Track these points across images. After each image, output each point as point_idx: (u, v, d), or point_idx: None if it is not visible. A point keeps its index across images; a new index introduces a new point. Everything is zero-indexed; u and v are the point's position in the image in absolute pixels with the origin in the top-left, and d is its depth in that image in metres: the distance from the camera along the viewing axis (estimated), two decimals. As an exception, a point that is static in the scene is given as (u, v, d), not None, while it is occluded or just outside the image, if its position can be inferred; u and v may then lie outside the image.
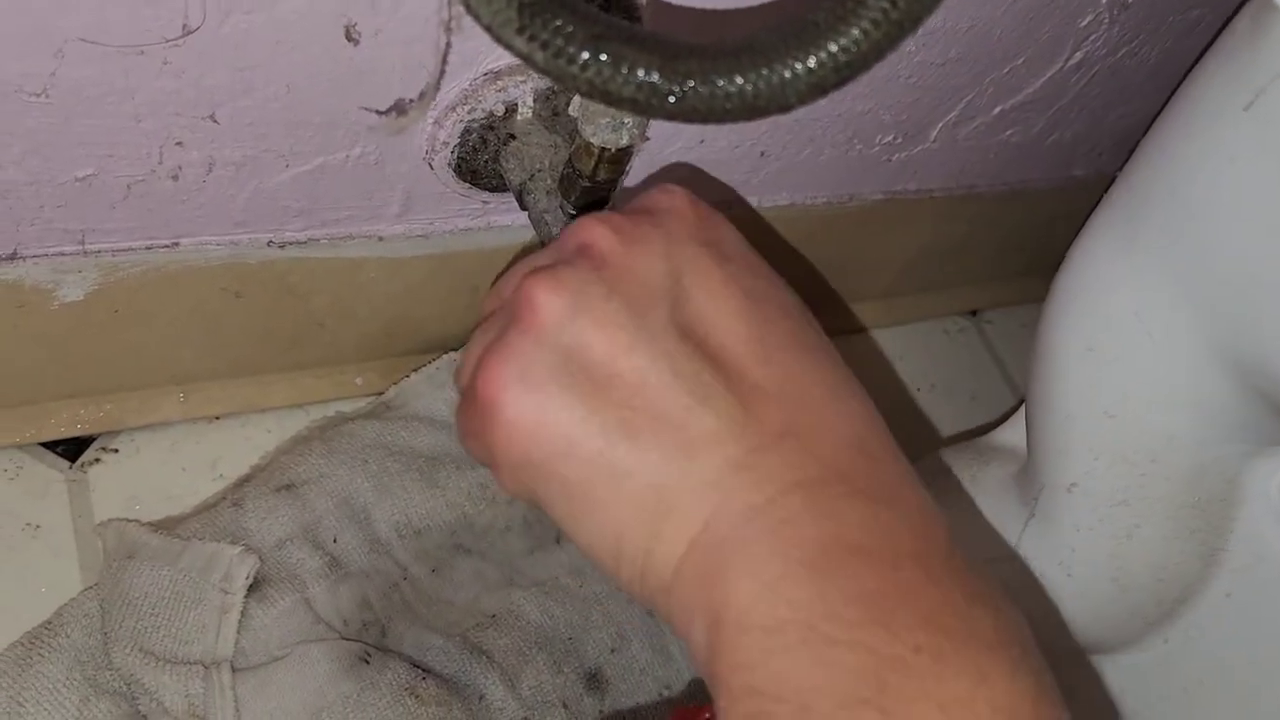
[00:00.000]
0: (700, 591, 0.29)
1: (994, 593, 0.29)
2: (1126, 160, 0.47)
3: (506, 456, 0.32)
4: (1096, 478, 0.46)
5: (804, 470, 0.29)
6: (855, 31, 0.29)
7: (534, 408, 0.31)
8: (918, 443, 0.75)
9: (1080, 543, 0.48)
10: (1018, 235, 0.79)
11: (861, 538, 0.28)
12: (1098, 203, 0.48)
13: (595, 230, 0.33)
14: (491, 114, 0.46)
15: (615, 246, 0.32)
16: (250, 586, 0.50)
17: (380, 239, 0.52)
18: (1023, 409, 0.54)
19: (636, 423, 0.30)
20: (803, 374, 0.31)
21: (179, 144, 0.42)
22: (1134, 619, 0.49)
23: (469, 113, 0.46)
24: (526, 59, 0.31)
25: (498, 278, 0.37)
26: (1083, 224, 0.49)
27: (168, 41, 0.38)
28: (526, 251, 0.56)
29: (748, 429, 0.30)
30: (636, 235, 0.33)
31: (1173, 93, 0.44)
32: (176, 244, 0.48)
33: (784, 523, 0.29)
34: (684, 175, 0.56)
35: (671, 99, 0.30)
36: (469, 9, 0.31)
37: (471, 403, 0.33)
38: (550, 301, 0.31)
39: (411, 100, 0.44)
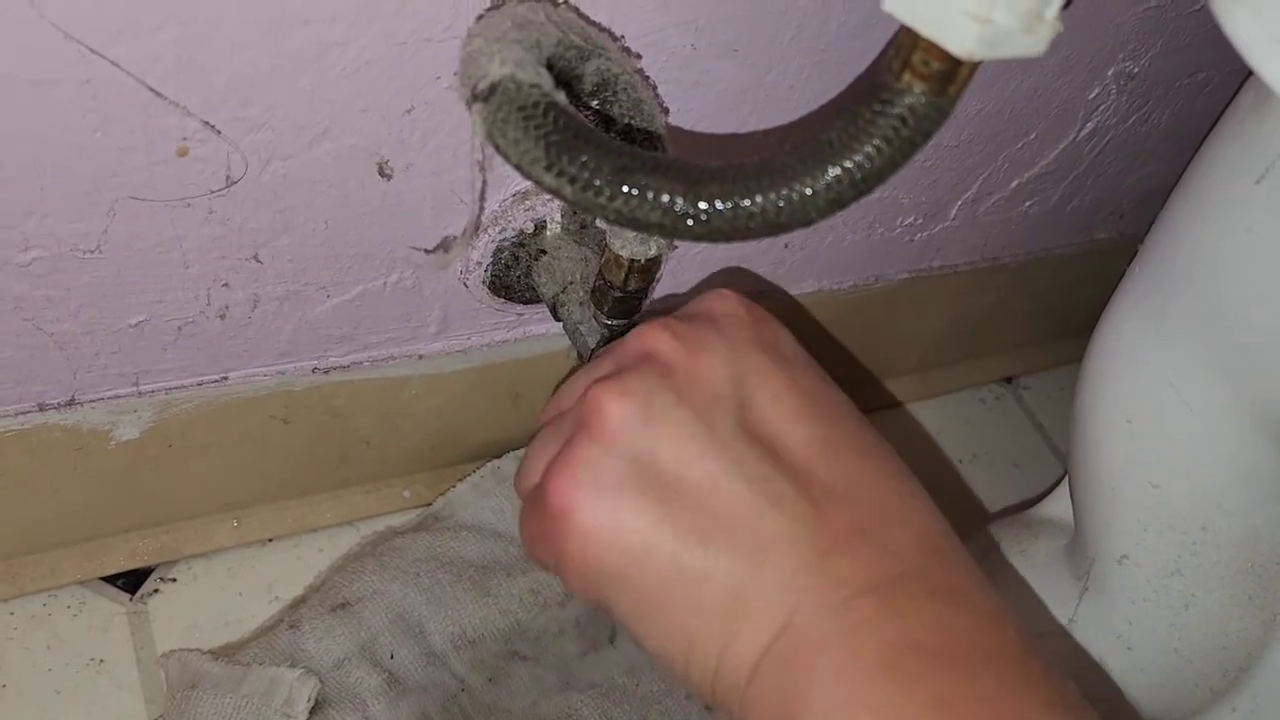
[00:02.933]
0: (777, 695, 0.29)
1: (1068, 698, 0.29)
2: (1149, 223, 0.47)
3: (579, 562, 0.32)
4: (1147, 549, 0.46)
5: (877, 571, 0.30)
6: (869, 148, 0.30)
7: (608, 515, 0.31)
8: (963, 516, 0.74)
9: (1137, 615, 0.47)
10: (1046, 300, 0.79)
11: (938, 640, 0.28)
12: (1124, 263, 0.49)
13: (659, 337, 0.33)
14: (522, 232, 0.48)
15: (679, 353, 0.33)
16: (312, 709, 0.50)
17: (420, 357, 0.53)
18: (1066, 481, 0.54)
19: (710, 527, 0.30)
20: (869, 473, 0.32)
21: (225, 285, 0.44)
22: (1199, 689, 0.48)
23: (500, 232, 0.47)
24: (555, 193, 0.32)
25: (556, 387, 0.38)
26: (1110, 284, 0.50)
27: (213, 193, 0.40)
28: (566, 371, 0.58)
29: (820, 531, 0.30)
30: (699, 342, 0.33)
31: (1192, 157, 0.44)
32: (225, 378, 0.49)
33: (860, 626, 0.29)
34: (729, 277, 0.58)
35: (696, 222, 0.31)
36: (498, 149, 0.32)
37: (539, 510, 0.33)
38: (619, 409, 0.32)
39: (454, 237, 0.46)
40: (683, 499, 0.31)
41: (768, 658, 0.30)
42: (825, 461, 0.32)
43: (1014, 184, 0.64)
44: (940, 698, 0.27)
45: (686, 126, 0.47)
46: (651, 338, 0.33)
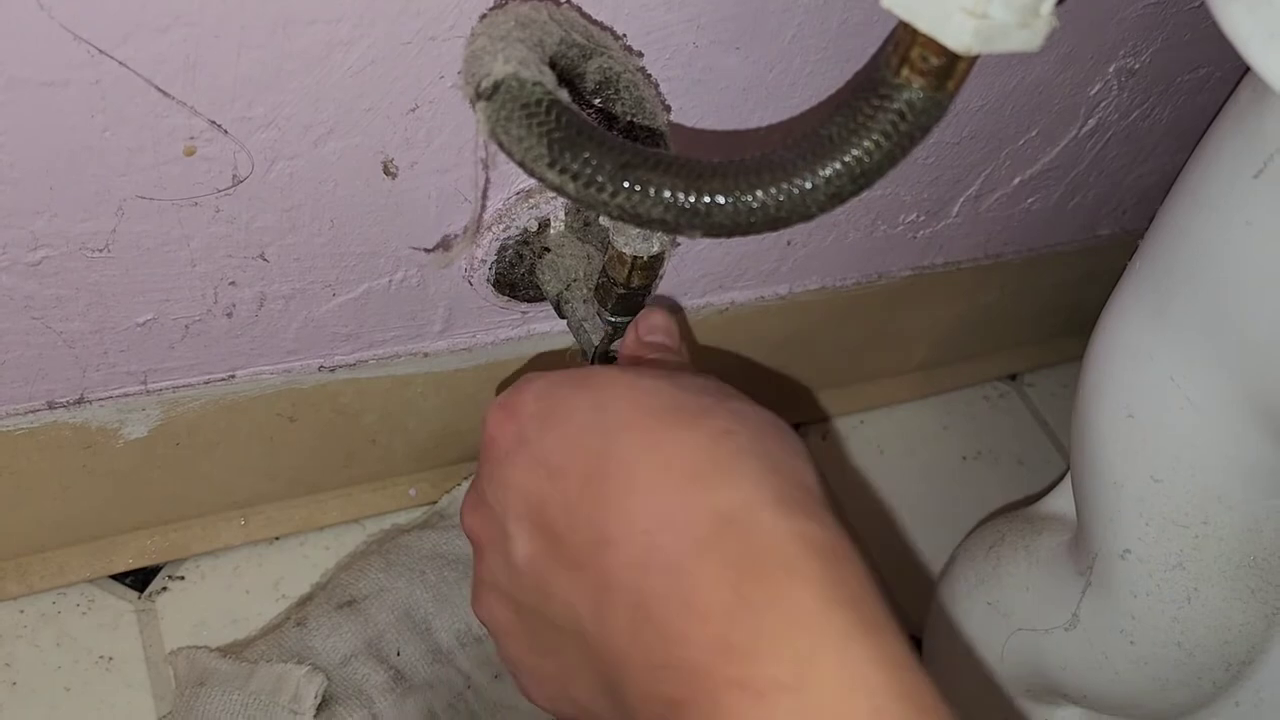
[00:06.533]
0: None
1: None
2: (1150, 219, 0.47)
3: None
4: (1149, 543, 0.46)
5: (628, 635, 0.30)
6: (867, 143, 0.30)
7: (537, 692, 0.37)
8: (967, 513, 0.74)
9: (1140, 609, 0.47)
10: (1050, 297, 0.80)
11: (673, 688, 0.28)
12: (1127, 259, 0.49)
13: (467, 523, 0.38)
14: (525, 230, 0.48)
15: (476, 530, 0.37)
16: (319, 705, 0.50)
17: (426, 355, 0.54)
18: (1069, 476, 0.54)
19: (557, 666, 0.34)
20: (600, 514, 0.31)
21: (232, 283, 0.45)
22: (1202, 683, 0.48)
23: (504, 231, 0.48)
24: (559, 190, 0.32)
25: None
26: (1113, 281, 0.50)
27: (219, 192, 0.40)
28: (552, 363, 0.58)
29: (588, 614, 0.31)
30: (478, 503, 0.36)
31: (1191, 151, 0.44)
32: (233, 376, 0.50)
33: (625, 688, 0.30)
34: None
35: (698, 217, 0.31)
36: (502, 147, 0.33)
37: None
38: (481, 613, 0.38)
39: (456, 235, 0.46)
40: (539, 651, 0.35)
41: None
42: (568, 529, 0.32)
43: (1016, 181, 0.64)
44: None
45: (689, 124, 0.47)
46: (465, 525, 0.38)
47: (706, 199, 0.31)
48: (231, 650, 0.53)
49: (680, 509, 0.30)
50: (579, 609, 0.31)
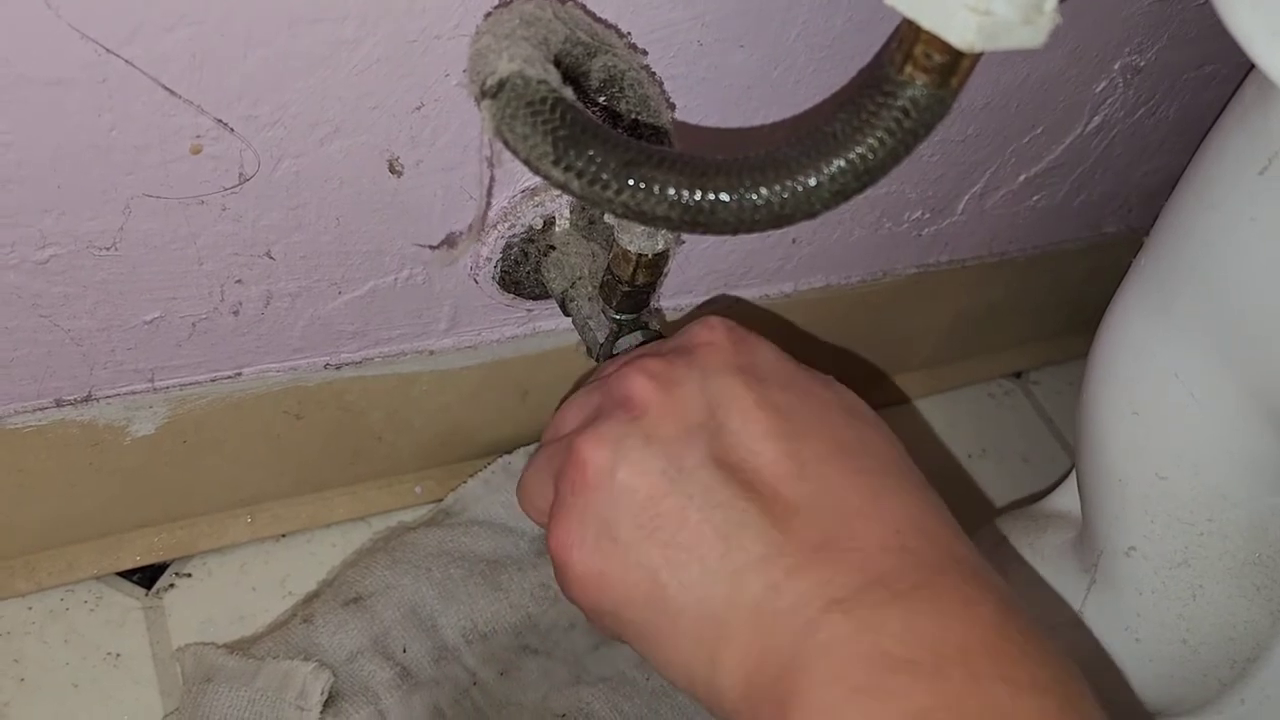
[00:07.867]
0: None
1: (1044, 676, 0.30)
2: (1155, 217, 0.47)
3: (582, 605, 0.35)
4: (1154, 540, 0.46)
5: (842, 584, 0.30)
6: (871, 140, 0.30)
7: (593, 564, 0.34)
8: (972, 511, 0.74)
9: (1145, 606, 0.47)
10: (1055, 295, 0.80)
11: (906, 649, 0.29)
12: (1133, 256, 0.49)
13: (634, 380, 0.35)
14: (531, 228, 0.48)
15: (652, 392, 0.34)
16: (325, 702, 0.51)
17: (431, 353, 0.54)
18: (1074, 474, 0.54)
19: (684, 560, 0.32)
20: (839, 482, 0.32)
21: (238, 281, 0.45)
22: (1207, 680, 0.48)
23: (509, 229, 0.48)
24: (563, 187, 0.32)
25: (565, 399, 0.39)
26: (1119, 278, 0.50)
27: (226, 190, 0.40)
28: (581, 380, 0.58)
29: (786, 550, 0.31)
30: (671, 377, 0.35)
31: (1196, 148, 0.44)
32: (239, 373, 0.50)
33: (832, 645, 0.29)
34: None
35: (702, 215, 0.31)
36: (507, 145, 0.33)
37: (550, 555, 0.36)
38: (594, 457, 0.34)
39: (461, 233, 0.46)
40: (656, 535, 0.33)
41: (753, 684, 0.31)
42: (791, 478, 0.32)
43: (1021, 178, 0.64)
44: (916, 710, 0.28)
45: (693, 121, 0.47)
46: (628, 381, 0.35)
47: (711, 196, 0.31)
48: (238, 647, 0.53)
49: (937, 532, 0.32)
50: (768, 541, 0.31)
